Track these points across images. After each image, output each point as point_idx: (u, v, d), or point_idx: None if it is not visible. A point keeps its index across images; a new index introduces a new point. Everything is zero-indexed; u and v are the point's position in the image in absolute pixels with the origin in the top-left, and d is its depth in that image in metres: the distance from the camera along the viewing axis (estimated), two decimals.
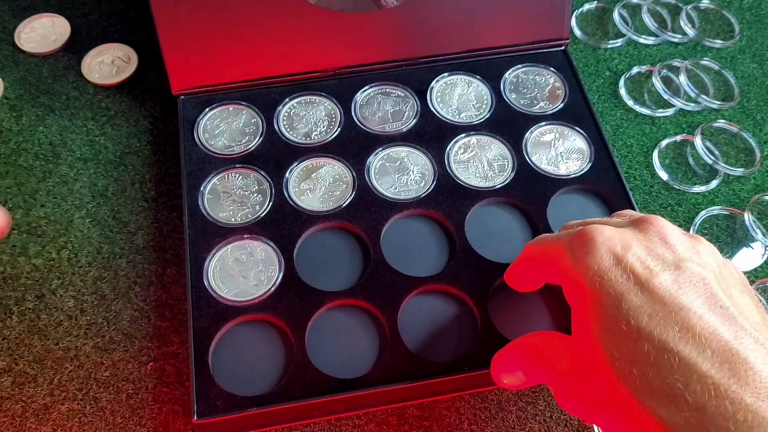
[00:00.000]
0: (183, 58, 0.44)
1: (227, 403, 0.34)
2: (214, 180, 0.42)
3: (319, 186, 0.42)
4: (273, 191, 0.42)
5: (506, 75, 0.48)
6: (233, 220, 0.41)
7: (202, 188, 0.42)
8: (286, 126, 0.45)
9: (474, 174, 0.43)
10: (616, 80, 0.50)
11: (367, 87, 0.47)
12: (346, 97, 0.46)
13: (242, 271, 0.39)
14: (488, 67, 0.48)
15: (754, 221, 0.44)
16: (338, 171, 0.43)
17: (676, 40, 0.53)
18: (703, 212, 0.44)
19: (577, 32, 0.53)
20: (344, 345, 0.37)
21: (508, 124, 0.45)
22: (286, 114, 0.46)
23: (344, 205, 0.41)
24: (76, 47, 0.51)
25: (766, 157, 0.47)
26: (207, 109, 0.45)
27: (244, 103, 0.46)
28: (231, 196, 0.42)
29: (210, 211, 0.41)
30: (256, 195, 0.42)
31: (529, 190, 0.42)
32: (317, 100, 0.46)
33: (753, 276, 0.42)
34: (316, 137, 0.44)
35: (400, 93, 0.47)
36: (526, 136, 0.45)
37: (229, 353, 0.36)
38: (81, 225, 0.43)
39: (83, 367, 0.38)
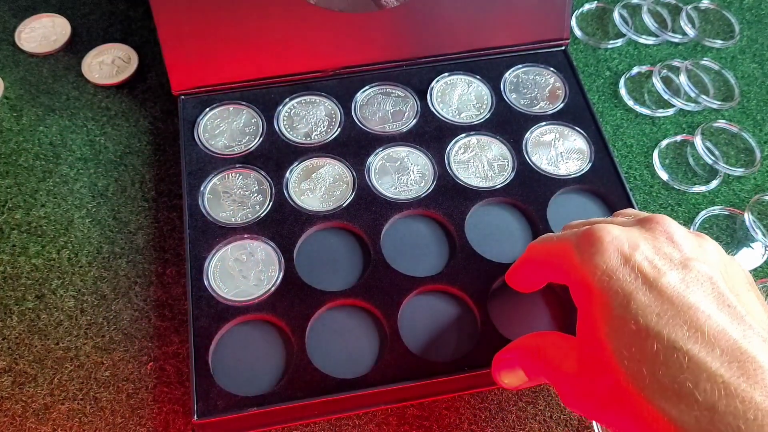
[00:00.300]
0: (183, 58, 0.44)
1: (227, 403, 0.34)
2: (215, 180, 0.42)
3: (319, 186, 0.42)
4: (273, 191, 0.42)
5: (506, 75, 0.48)
6: (233, 220, 0.41)
7: (202, 188, 0.42)
8: (287, 126, 0.45)
9: (474, 174, 0.43)
10: (616, 80, 0.50)
11: (367, 87, 0.47)
12: (346, 97, 0.46)
13: (242, 271, 0.39)
14: (488, 67, 0.48)
15: (754, 221, 0.44)
16: (338, 171, 0.43)
17: (676, 40, 0.53)
18: (703, 212, 0.44)
19: (577, 32, 0.53)
20: (344, 345, 0.37)
21: (508, 124, 0.45)
22: (287, 114, 0.46)
23: (344, 205, 0.41)
24: (77, 47, 0.51)
25: (766, 157, 0.47)
26: (207, 109, 0.45)
27: (244, 103, 0.46)
28: (231, 196, 0.42)
29: (210, 211, 0.41)
30: (256, 195, 0.42)
31: (529, 190, 0.42)
32: (317, 100, 0.46)
33: (753, 276, 0.42)
34: (316, 137, 0.44)
35: (400, 93, 0.47)
36: (526, 136, 0.45)
37: (229, 353, 0.36)
38: (81, 225, 0.43)
39: (83, 367, 0.38)
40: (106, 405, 0.37)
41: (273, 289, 0.38)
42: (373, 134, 0.45)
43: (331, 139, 0.44)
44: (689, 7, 0.55)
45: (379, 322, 0.37)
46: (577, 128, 0.45)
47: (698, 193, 0.45)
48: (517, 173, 0.43)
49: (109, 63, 0.50)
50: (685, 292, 0.27)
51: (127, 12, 0.53)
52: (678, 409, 0.24)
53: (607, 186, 0.43)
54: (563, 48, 0.49)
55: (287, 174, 0.43)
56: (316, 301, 0.38)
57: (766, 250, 0.43)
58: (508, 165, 0.44)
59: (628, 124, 0.48)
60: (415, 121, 0.45)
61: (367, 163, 0.43)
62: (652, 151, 0.47)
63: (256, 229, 0.40)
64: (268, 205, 0.41)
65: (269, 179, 0.42)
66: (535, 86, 0.47)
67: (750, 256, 0.43)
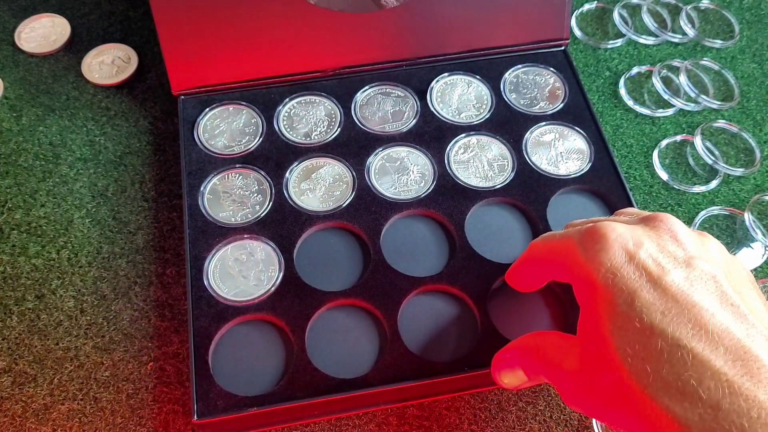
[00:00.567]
0: (183, 58, 0.44)
1: (227, 403, 0.34)
2: (214, 180, 0.42)
3: (319, 186, 0.42)
4: (273, 191, 0.42)
5: (506, 75, 0.48)
6: (233, 220, 0.41)
7: (202, 188, 0.42)
8: (286, 126, 0.45)
9: (474, 174, 0.43)
10: (616, 80, 0.50)
11: (367, 87, 0.47)
12: (346, 97, 0.46)
13: (242, 271, 0.39)
14: (488, 67, 0.48)
15: (754, 221, 0.44)
16: (338, 171, 0.43)
17: (676, 40, 0.53)
18: (703, 212, 0.44)
19: (577, 32, 0.53)
20: (344, 345, 0.37)
21: (508, 124, 0.45)
22: (286, 114, 0.46)
23: (344, 205, 0.41)
24: (76, 47, 0.51)
25: (766, 157, 0.47)
26: (207, 109, 0.45)
27: (244, 103, 0.46)
28: (231, 196, 0.42)
29: (210, 211, 0.41)
30: (256, 195, 0.42)
31: (529, 190, 0.42)
32: (317, 100, 0.46)
33: (753, 276, 0.42)
34: (316, 137, 0.44)
35: (400, 93, 0.47)
36: (526, 136, 0.45)
37: (229, 353, 0.36)
38: (81, 225, 0.43)
39: (83, 367, 0.38)
40: (106, 405, 0.37)
41: (273, 289, 0.38)
42: (373, 134, 0.45)
43: (330, 139, 0.44)
44: (689, 7, 0.55)
45: (379, 322, 0.37)
46: (577, 128, 0.45)
47: (698, 193, 0.45)
48: (517, 173, 0.43)
49: (108, 63, 0.50)
50: (690, 290, 0.27)
51: (127, 12, 0.53)
52: (681, 406, 0.24)
53: (607, 186, 0.43)
54: (563, 48, 0.49)
55: (287, 174, 0.43)
56: (316, 301, 0.38)
57: (766, 250, 0.43)
58: (508, 165, 0.44)
59: (628, 124, 0.48)
60: (414, 121, 0.45)
61: (367, 163, 0.43)
62: (652, 151, 0.47)
63: (256, 229, 0.40)
64: (268, 205, 0.41)
65: (269, 179, 0.42)
66: (534, 86, 0.47)
67: (750, 256, 0.43)
